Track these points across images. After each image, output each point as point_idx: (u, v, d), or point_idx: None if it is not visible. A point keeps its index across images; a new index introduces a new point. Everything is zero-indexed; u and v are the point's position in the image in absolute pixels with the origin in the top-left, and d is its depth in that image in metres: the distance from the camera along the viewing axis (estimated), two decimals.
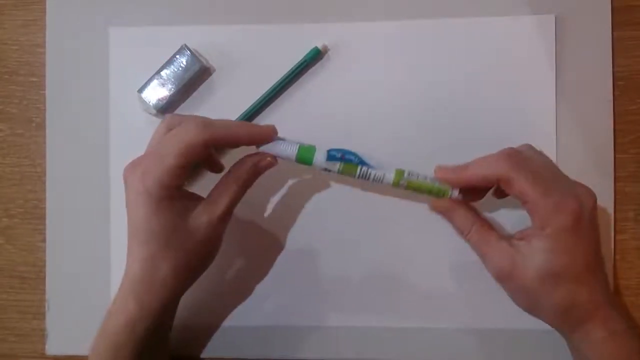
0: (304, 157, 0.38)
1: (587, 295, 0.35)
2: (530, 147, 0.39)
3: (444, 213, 0.39)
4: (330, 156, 0.38)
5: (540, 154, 0.38)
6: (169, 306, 0.38)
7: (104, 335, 0.37)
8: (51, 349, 0.46)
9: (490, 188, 0.39)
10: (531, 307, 0.37)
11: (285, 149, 0.38)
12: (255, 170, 0.38)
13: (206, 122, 0.36)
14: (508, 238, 0.37)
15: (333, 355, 0.44)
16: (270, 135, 0.38)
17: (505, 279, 0.36)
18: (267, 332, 0.44)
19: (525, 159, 0.36)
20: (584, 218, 0.35)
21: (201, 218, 0.37)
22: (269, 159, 0.38)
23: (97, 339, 0.37)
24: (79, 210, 0.46)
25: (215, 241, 0.38)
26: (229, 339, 0.45)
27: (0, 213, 0.47)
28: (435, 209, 0.39)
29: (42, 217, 0.46)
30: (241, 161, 0.38)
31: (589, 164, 0.43)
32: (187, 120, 0.37)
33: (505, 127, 0.43)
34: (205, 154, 0.36)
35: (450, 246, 0.43)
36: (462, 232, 0.38)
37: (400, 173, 0.38)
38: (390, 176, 0.38)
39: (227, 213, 0.38)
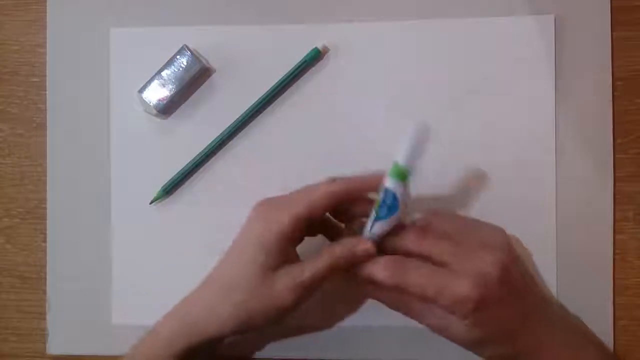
0: (397, 173, 0.35)
1: (523, 348, 0.36)
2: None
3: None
4: (387, 192, 0.35)
5: (451, 221, 0.39)
6: (212, 343, 0.38)
7: (142, 349, 0.37)
8: (52, 348, 0.46)
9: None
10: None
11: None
12: (350, 254, 0.36)
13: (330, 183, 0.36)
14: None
15: (334, 355, 0.44)
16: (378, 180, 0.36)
17: (442, 335, 0.37)
18: (267, 332, 0.44)
19: (407, 265, 0.35)
20: (491, 290, 0.34)
21: (279, 280, 0.35)
22: (367, 246, 0.36)
23: (135, 350, 0.38)
24: (80, 210, 0.46)
25: (283, 308, 0.35)
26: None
27: (1, 213, 0.47)
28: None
29: (42, 217, 0.46)
30: (341, 241, 0.36)
31: (589, 164, 0.43)
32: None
33: (504, 127, 0.43)
34: (330, 206, 0.36)
35: None
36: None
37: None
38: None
39: (308, 284, 0.35)
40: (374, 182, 0.36)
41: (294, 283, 0.35)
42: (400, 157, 0.35)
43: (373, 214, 0.36)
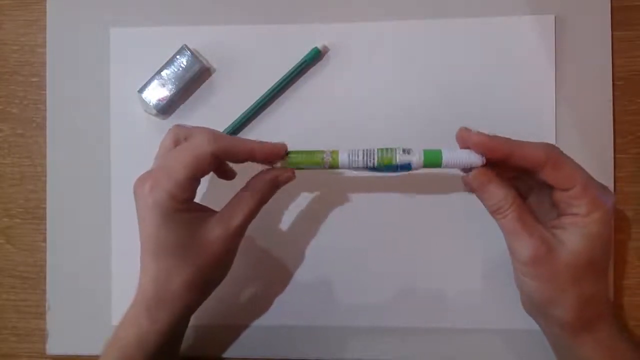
0: (430, 160, 0.36)
1: (604, 291, 0.35)
2: None
3: (481, 186, 0.35)
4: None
5: None
6: (181, 321, 0.37)
7: (114, 348, 0.36)
8: (51, 349, 0.46)
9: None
10: (550, 299, 0.34)
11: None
12: (273, 185, 0.37)
13: (215, 135, 0.36)
14: (542, 223, 0.35)
15: (333, 355, 0.44)
16: (281, 150, 0.37)
17: (538, 262, 0.33)
18: (268, 332, 0.44)
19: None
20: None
21: (215, 232, 0.36)
22: (287, 173, 0.37)
23: (107, 351, 0.37)
24: (80, 210, 0.46)
25: (228, 255, 0.38)
26: (230, 339, 0.45)
27: (1, 213, 0.47)
28: (471, 182, 0.35)
29: (42, 217, 0.46)
30: (259, 175, 0.37)
31: (589, 164, 0.42)
32: (195, 132, 0.36)
33: (505, 127, 0.43)
34: (214, 165, 0.36)
35: (450, 247, 0.43)
36: (499, 209, 0.35)
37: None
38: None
39: (242, 227, 0.37)
40: (269, 151, 0.37)
41: (229, 232, 0.36)
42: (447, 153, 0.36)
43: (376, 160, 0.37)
